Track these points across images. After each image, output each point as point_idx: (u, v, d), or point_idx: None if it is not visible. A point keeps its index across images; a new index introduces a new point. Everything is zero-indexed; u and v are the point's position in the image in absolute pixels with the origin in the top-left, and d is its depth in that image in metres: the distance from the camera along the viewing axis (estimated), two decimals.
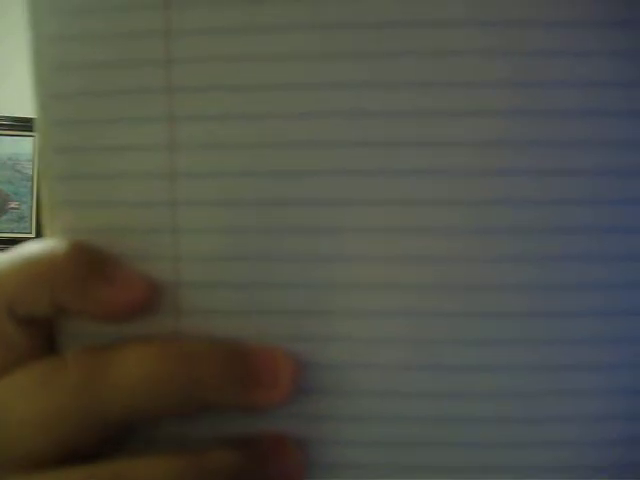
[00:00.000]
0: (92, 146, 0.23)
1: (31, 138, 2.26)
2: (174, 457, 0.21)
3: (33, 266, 0.22)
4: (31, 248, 0.22)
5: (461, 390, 0.23)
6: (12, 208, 2.27)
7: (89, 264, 0.22)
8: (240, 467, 0.22)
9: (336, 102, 0.22)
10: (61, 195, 0.23)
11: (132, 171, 0.22)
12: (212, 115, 0.22)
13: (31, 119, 2.37)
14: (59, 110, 0.23)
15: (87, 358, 0.22)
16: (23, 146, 2.25)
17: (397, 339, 0.22)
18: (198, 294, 0.22)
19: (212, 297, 0.22)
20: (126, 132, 0.22)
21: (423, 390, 0.23)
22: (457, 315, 0.22)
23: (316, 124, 0.22)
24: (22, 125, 2.24)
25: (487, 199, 0.22)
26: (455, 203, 0.22)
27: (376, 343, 0.22)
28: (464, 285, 0.22)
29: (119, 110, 0.22)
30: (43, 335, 0.23)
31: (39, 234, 2.16)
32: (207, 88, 0.22)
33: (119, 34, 0.22)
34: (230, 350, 0.22)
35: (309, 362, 0.23)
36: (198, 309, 0.23)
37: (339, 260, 0.22)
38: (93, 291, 0.22)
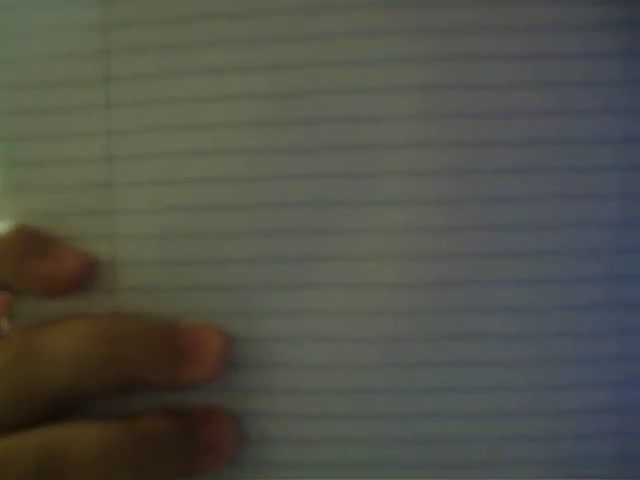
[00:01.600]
0: (32, 134, 0.24)
1: None
2: (108, 423, 0.22)
3: None
4: None
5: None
6: None
7: (28, 243, 0.23)
8: (175, 434, 0.22)
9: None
10: (7, 181, 0.24)
11: (71, 157, 0.23)
12: (146, 100, 0.23)
13: None
14: (2, 100, 0.24)
15: (21, 336, 0.22)
16: None
17: (338, 311, 0.23)
18: (134, 272, 0.23)
19: (148, 275, 0.23)
20: (64, 119, 0.23)
21: (364, 361, 0.23)
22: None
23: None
24: None
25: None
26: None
27: (315, 315, 0.23)
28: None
29: (57, 98, 0.23)
30: None
31: None
32: (145, 76, 0.23)
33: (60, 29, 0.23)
34: (158, 328, 0.23)
35: (243, 336, 0.23)
36: (135, 287, 0.23)
37: (276, 233, 0.23)
38: (32, 267, 0.23)
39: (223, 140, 0.23)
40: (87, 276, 0.23)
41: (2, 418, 0.22)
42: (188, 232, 0.23)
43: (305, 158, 0.23)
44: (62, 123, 0.23)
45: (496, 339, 0.23)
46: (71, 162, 0.23)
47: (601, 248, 0.23)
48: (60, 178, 0.23)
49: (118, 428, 0.22)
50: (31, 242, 0.23)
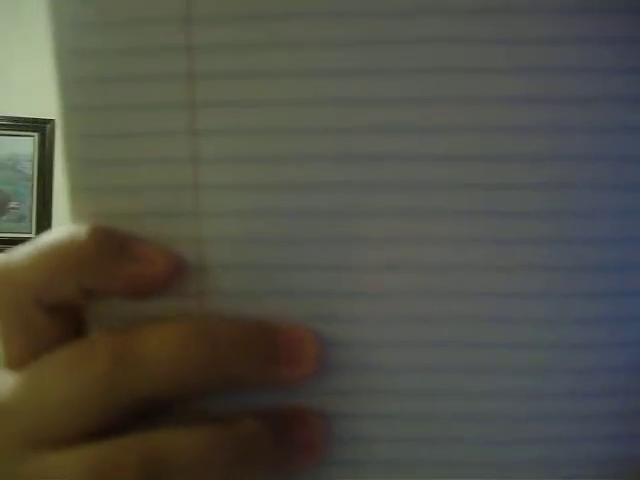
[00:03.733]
0: (114, 132, 0.23)
1: (31, 138, 2.26)
2: (206, 427, 0.22)
3: (57, 252, 0.22)
4: (54, 235, 0.22)
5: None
6: (12, 208, 2.27)
7: (112, 244, 0.22)
8: (268, 435, 0.22)
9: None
10: (83, 180, 0.23)
11: (154, 156, 0.23)
12: (234, 101, 0.22)
13: (31, 119, 2.38)
14: (79, 95, 0.23)
15: (112, 340, 0.22)
16: (23, 146, 2.25)
17: (417, 318, 0.23)
18: (221, 276, 0.23)
19: (235, 279, 0.23)
20: (147, 118, 0.23)
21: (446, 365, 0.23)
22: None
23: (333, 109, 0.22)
24: (22, 125, 2.24)
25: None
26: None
27: (396, 322, 0.23)
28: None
29: (140, 96, 0.23)
30: (70, 321, 0.23)
31: (39, 234, 2.16)
32: (231, 74, 0.22)
33: (140, 19, 0.22)
34: (253, 327, 0.22)
35: (332, 341, 0.23)
36: (221, 291, 0.23)
37: (361, 241, 0.23)
38: (117, 269, 0.22)
39: (311, 145, 0.22)
40: (174, 277, 0.22)
41: (97, 421, 0.22)
42: (275, 236, 0.23)
43: (396, 166, 0.22)
44: (145, 121, 0.23)
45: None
46: (154, 162, 0.23)
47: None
48: (142, 178, 0.23)
49: (215, 431, 0.22)
50: (113, 243, 0.22)
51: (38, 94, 2.14)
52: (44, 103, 2.11)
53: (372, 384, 0.23)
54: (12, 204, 2.28)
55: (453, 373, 0.23)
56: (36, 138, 2.25)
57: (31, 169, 2.26)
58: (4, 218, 2.26)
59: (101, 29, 0.23)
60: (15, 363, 0.23)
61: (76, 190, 0.23)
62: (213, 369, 0.22)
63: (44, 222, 2.25)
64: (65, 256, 0.22)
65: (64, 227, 0.23)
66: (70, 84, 0.23)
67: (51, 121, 2.23)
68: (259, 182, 0.23)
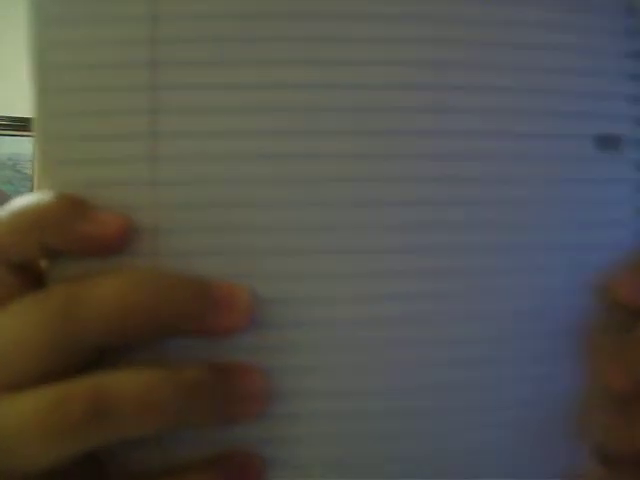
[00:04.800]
0: (80, 111, 0.25)
1: (31, 138, 2.26)
2: (152, 370, 0.23)
3: (22, 215, 0.24)
4: (21, 200, 0.25)
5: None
6: None
7: (71, 209, 0.24)
8: (210, 382, 0.24)
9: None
10: (52, 155, 0.25)
11: (115, 132, 0.25)
12: (196, 84, 0.25)
13: (31, 119, 2.36)
14: (54, 80, 0.25)
15: (65, 287, 0.24)
16: (23, 146, 2.25)
17: (359, 275, 0.25)
18: (173, 238, 0.25)
19: (186, 241, 0.25)
20: (109, 98, 0.25)
21: (382, 315, 0.25)
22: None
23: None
24: (22, 125, 2.24)
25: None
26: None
27: (339, 279, 0.25)
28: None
29: (105, 81, 0.25)
30: (34, 277, 0.25)
31: None
32: (192, 62, 0.25)
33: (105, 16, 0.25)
34: (193, 280, 0.24)
35: (272, 298, 0.25)
36: (172, 251, 0.25)
37: (309, 205, 0.25)
38: (75, 229, 0.24)
39: (272, 121, 0.25)
40: (125, 237, 0.24)
41: (50, 364, 0.23)
42: (222, 201, 0.25)
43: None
44: (107, 101, 0.25)
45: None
46: (116, 137, 0.25)
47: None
48: (105, 152, 0.25)
49: (160, 373, 0.23)
50: (73, 207, 0.24)
51: None
52: None
53: (311, 338, 0.25)
54: None
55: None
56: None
57: (31, 169, 2.26)
58: None
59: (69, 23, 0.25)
60: None
61: (46, 164, 0.25)
62: (154, 315, 0.23)
63: None
64: (29, 218, 0.24)
65: (31, 195, 0.25)
66: (44, 70, 0.25)
67: None
68: (211, 153, 0.25)
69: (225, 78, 0.25)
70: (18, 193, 2.27)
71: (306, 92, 0.25)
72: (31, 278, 0.25)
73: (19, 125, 2.25)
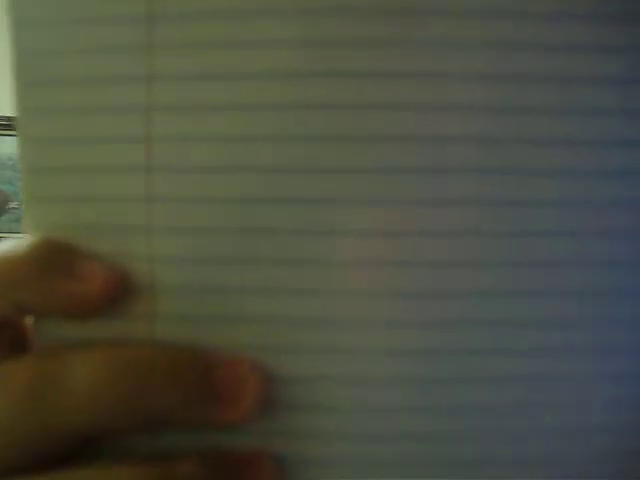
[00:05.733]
0: (65, 138, 0.21)
1: None
2: (140, 466, 0.20)
3: None
4: None
5: (449, 403, 0.22)
6: (12, 208, 2.27)
7: (49, 260, 0.21)
8: None
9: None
10: (34, 190, 0.22)
11: (106, 165, 0.21)
12: (192, 105, 0.21)
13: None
14: (34, 98, 0.21)
15: (35, 363, 0.20)
16: None
17: (378, 352, 0.21)
18: (172, 298, 0.21)
19: (186, 301, 0.21)
20: (103, 123, 0.21)
21: (406, 404, 0.22)
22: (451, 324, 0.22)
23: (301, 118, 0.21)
24: None
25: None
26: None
27: (357, 357, 0.21)
28: (461, 292, 0.21)
29: (96, 100, 0.21)
30: (7, 337, 0.22)
31: None
32: (188, 77, 0.21)
33: (98, 19, 0.21)
34: (190, 360, 0.21)
35: (286, 375, 0.21)
36: (172, 314, 0.21)
37: (322, 265, 0.21)
38: (52, 287, 0.21)
39: (270, 157, 0.21)
40: (117, 298, 0.21)
41: (15, 457, 0.20)
42: (229, 257, 0.21)
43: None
44: (101, 126, 0.21)
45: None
46: (108, 171, 0.21)
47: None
48: (95, 188, 0.21)
49: (146, 473, 0.20)
50: (56, 257, 0.21)
51: None
52: None
53: (327, 425, 0.21)
54: (12, 204, 2.27)
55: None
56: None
57: None
58: (4, 218, 2.26)
59: (61, 28, 0.21)
60: None
61: (30, 199, 0.22)
62: (135, 403, 0.20)
63: None
64: (1, 273, 0.21)
65: (6, 242, 0.22)
66: (26, 86, 0.22)
67: None
68: (214, 195, 0.21)
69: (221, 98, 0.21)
70: (18, 193, 2.27)
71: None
72: (10, 337, 0.22)
73: None
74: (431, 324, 0.21)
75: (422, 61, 0.21)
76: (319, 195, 0.21)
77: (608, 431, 0.22)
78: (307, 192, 0.21)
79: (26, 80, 0.21)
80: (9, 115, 2.22)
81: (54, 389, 0.20)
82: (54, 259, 0.21)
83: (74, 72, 0.21)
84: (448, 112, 0.21)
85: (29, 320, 0.23)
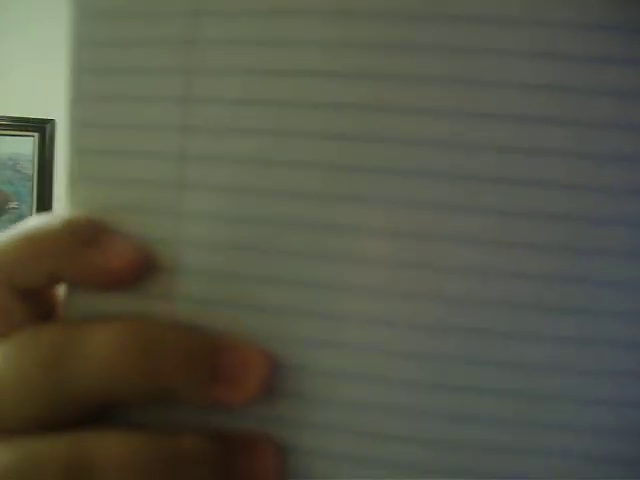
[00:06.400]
0: (109, 123, 0.23)
1: (31, 138, 2.25)
2: (142, 435, 0.21)
3: (31, 239, 0.22)
4: (31, 223, 0.23)
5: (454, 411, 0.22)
6: (12, 208, 2.27)
7: (83, 234, 0.22)
8: (212, 457, 0.21)
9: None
10: (78, 170, 0.23)
11: (143, 150, 0.23)
12: (227, 98, 0.22)
13: (31, 119, 2.37)
14: (87, 85, 0.23)
15: (60, 329, 0.22)
16: (23, 146, 2.25)
17: (385, 351, 0.22)
18: (193, 281, 0.22)
19: (206, 285, 0.22)
20: (142, 111, 0.23)
21: (407, 405, 0.22)
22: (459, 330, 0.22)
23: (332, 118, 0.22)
24: (22, 125, 2.24)
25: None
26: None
27: (369, 354, 0.22)
28: (470, 299, 0.22)
29: (137, 89, 0.23)
30: (42, 306, 0.24)
31: None
32: (226, 71, 0.22)
33: (144, 13, 0.23)
34: (199, 340, 0.22)
35: (295, 365, 0.22)
36: (192, 296, 0.22)
37: (344, 261, 0.21)
38: (83, 258, 0.22)
39: (305, 152, 0.22)
40: (138, 274, 0.22)
41: (47, 415, 0.21)
42: (253, 246, 0.22)
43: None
44: (140, 113, 0.22)
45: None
46: (143, 156, 0.22)
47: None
48: (130, 171, 0.23)
49: (151, 442, 0.21)
50: (89, 232, 0.22)
51: (38, 94, 2.13)
52: (44, 103, 2.10)
53: (331, 418, 0.22)
54: (12, 204, 2.27)
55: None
56: (36, 138, 2.25)
57: (31, 169, 2.26)
58: (4, 218, 2.26)
59: (112, 20, 0.23)
60: None
61: (71, 180, 0.24)
62: (147, 378, 0.21)
63: None
64: (37, 243, 0.22)
65: (44, 215, 0.23)
66: (80, 74, 0.23)
67: (51, 121, 2.22)
68: (246, 186, 0.22)
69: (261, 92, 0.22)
70: (18, 193, 2.27)
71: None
72: (40, 307, 0.23)
73: (19, 125, 2.24)
74: (439, 328, 0.22)
75: (454, 67, 0.21)
76: (344, 192, 0.21)
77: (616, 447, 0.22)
78: (335, 189, 0.21)
79: (80, 69, 0.23)
80: (9, 115, 2.22)
81: (75, 353, 0.21)
82: (87, 234, 0.22)
83: (124, 63, 0.23)
84: (472, 118, 0.21)
85: (59, 294, 0.24)
